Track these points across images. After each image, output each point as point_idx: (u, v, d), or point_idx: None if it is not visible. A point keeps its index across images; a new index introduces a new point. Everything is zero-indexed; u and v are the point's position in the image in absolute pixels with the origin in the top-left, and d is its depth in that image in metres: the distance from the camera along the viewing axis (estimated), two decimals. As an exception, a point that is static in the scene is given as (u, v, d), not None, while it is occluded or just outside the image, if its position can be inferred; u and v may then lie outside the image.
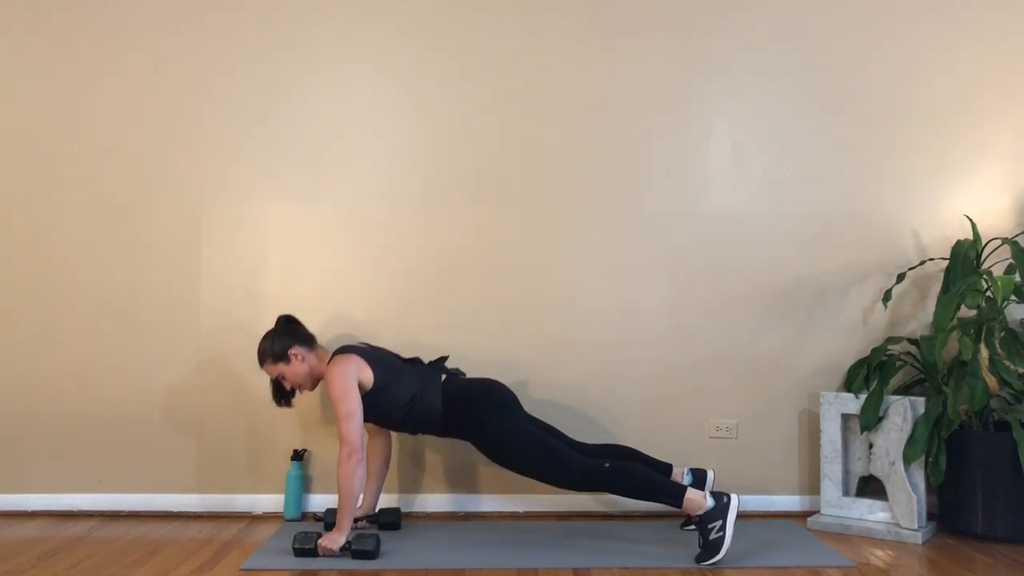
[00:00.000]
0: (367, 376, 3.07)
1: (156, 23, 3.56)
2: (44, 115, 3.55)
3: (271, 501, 3.49)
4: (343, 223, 3.55)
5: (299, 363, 3.14)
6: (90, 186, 3.54)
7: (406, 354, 3.36)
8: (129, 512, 3.51)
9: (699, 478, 3.24)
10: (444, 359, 3.28)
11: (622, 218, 3.57)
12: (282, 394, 3.24)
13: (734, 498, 2.87)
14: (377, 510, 3.29)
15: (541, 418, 3.40)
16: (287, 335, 3.16)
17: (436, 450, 3.53)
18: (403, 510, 3.49)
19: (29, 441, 3.52)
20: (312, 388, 3.22)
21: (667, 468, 3.23)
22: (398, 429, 3.18)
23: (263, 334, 3.21)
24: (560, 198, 3.57)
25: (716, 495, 2.89)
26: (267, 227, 3.55)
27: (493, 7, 3.58)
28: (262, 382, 3.50)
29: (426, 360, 3.32)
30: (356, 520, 3.22)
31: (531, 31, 3.58)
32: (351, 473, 2.92)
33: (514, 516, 3.48)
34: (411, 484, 3.52)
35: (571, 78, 3.58)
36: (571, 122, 3.58)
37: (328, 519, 3.19)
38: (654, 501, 2.96)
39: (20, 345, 3.53)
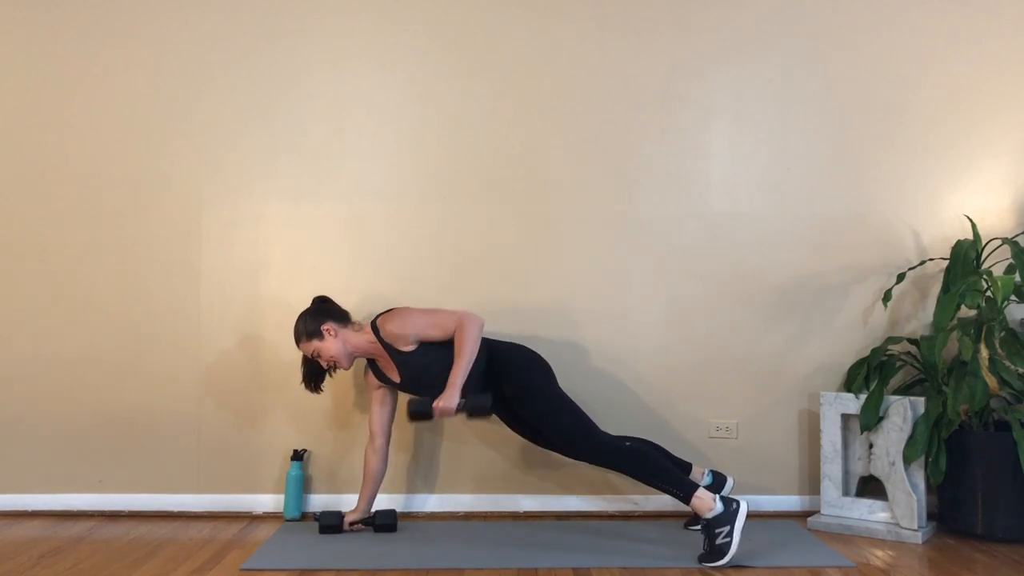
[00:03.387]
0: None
1: (155, 22, 3.56)
2: (43, 115, 3.55)
3: (271, 501, 3.49)
4: (343, 223, 3.55)
5: (332, 338, 3.15)
6: (89, 186, 3.54)
7: None
8: (129, 512, 3.51)
9: (718, 481, 3.28)
10: None
11: (622, 218, 3.57)
12: (313, 377, 3.23)
13: (743, 505, 2.87)
14: (373, 512, 3.28)
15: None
16: (320, 313, 3.19)
17: (436, 450, 3.53)
18: (403, 510, 3.49)
19: (29, 441, 3.52)
20: (348, 366, 3.21)
21: (687, 466, 3.27)
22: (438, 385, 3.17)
23: (297, 314, 3.23)
24: (560, 198, 3.57)
25: (725, 500, 2.88)
26: (267, 227, 3.55)
27: (494, 7, 3.58)
28: (262, 381, 3.51)
29: None
30: (352, 523, 3.21)
31: (531, 31, 3.58)
32: (473, 336, 3.04)
33: (514, 516, 3.48)
34: (411, 484, 3.52)
35: (572, 78, 3.58)
36: (571, 121, 3.58)
37: (324, 520, 3.18)
38: (664, 490, 2.96)
39: (20, 345, 3.53)
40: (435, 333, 3.09)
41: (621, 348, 3.56)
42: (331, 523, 3.16)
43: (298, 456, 3.45)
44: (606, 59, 3.59)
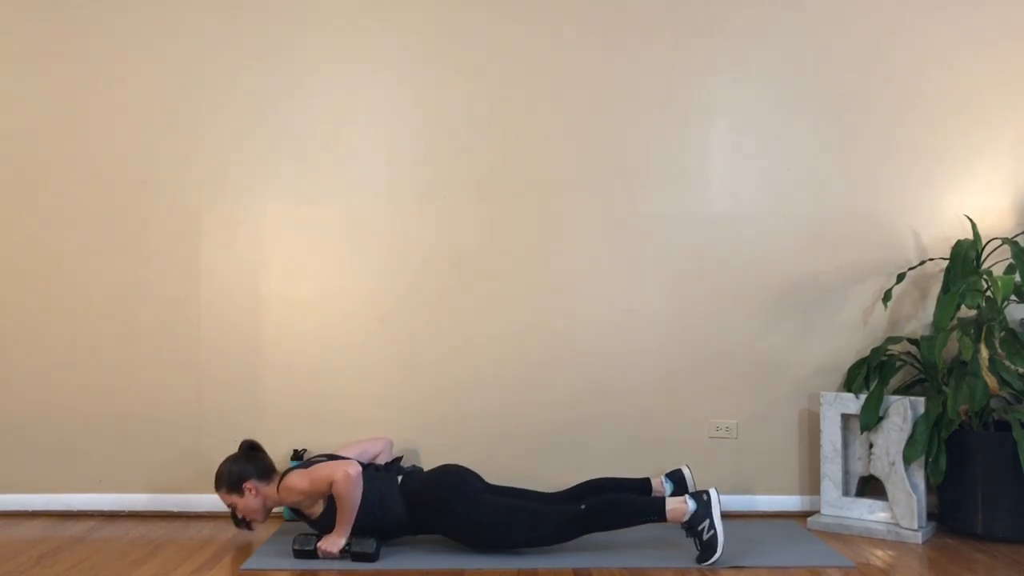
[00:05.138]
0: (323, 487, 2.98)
1: (156, 24, 3.56)
2: (44, 116, 3.55)
3: (271, 501, 3.49)
4: (343, 223, 3.55)
5: (252, 497, 3.06)
6: (90, 187, 3.54)
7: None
8: (129, 512, 3.51)
9: (677, 480, 3.22)
10: (399, 459, 3.24)
11: (622, 218, 3.57)
12: (243, 521, 3.13)
13: (713, 493, 2.88)
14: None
15: (541, 419, 3.43)
16: (246, 463, 3.10)
17: (436, 450, 3.53)
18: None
19: (29, 441, 3.52)
20: (264, 520, 3.13)
21: (645, 484, 3.21)
22: (367, 534, 3.05)
23: (224, 458, 3.14)
24: (560, 198, 3.57)
25: (695, 495, 2.89)
26: (267, 227, 3.55)
27: (493, 8, 3.58)
28: (262, 381, 3.51)
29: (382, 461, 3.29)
30: None
31: (531, 31, 3.58)
32: (351, 489, 2.91)
33: (514, 516, 3.48)
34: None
35: (571, 78, 3.58)
36: (571, 122, 3.58)
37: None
38: (639, 524, 2.94)
39: (20, 345, 3.53)
40: (315, 494, 2.96)
41: (621, 348, 3.56)
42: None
43: (298, 456, 3.45)
44: (606, 59, 3.58)
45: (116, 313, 3.53)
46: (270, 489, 3.09)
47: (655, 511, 2.90)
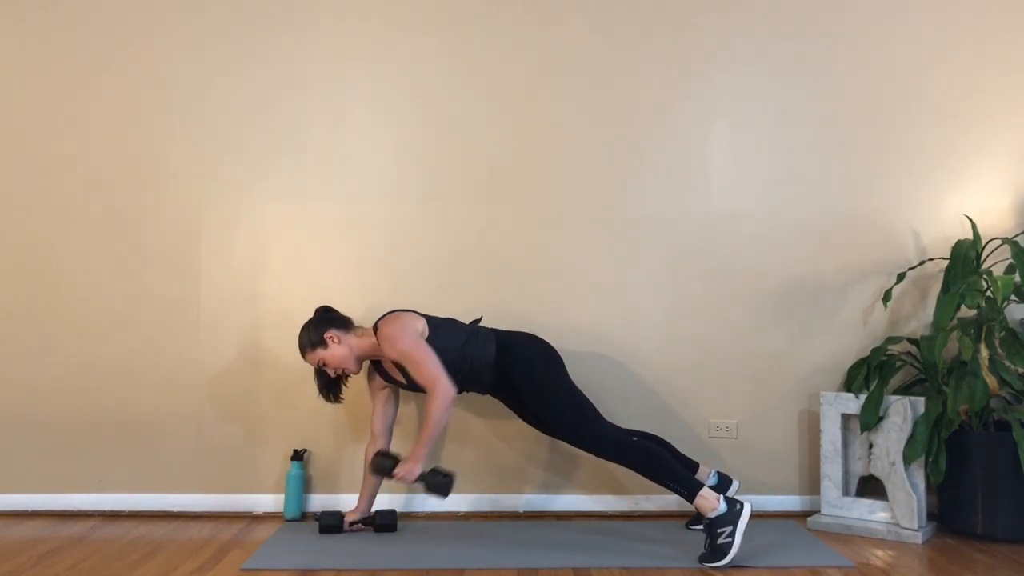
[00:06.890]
0: (421, 325, 3.11)
1: (156, 23, 3.56)
2: (44, 115, 3.55)
3: (271, 501, 3.49)
4: (343, 223, 3.55)
5: (336, 345, 3.14)
6: (89, 187, 3.54)
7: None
8: (129, 512, 3.51)
9: (724, 483, 3.27)
10: (479, 320, 3.33)
11: (622, 218, 3.57)
12: (329, 386, 3.21)
13: (746, 506, 2.87)
14: (373, 512, 3.28)
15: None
16: (322, 322, 3.17)
17: (437, 451, 3.53)
18: (403, 510, 3.49)
19: (29, 441, 3.52)
20: (358, 370, 3.20)
21: (694, 465, 3.26)
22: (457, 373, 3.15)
23: (302, 325, 3.21)
24: (560, 198, 3.57)
25: (729, 501, 2.88)
26: (267, 227, 3.55)
27: (493, 7, 3.58)
28: (262, 382, 3.51)
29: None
30: (352, 523, 3.22)
31: (531, 31, 3.58)
32: (444, 408, 2.99)
33: (514, 516, 3.48)
34: (411, 484, 3.51)
35: (571, 77, 3.58)
36: (571, 121, 3.58)
37: (324, 520, 3.18)
38: (668, 487, 2.97)
39: (20, 345, 3.53)
40: (413, 371, 3.04)
41: (621, 348, 3.56)
42: (331, 523, 3.17)
43: (298, 456, 3.45)
44: (607, 59, 3.59)
45: (116, 313, 3.53)
46: (352, 338, 3.17)
47: (690, 489, 2.92)
